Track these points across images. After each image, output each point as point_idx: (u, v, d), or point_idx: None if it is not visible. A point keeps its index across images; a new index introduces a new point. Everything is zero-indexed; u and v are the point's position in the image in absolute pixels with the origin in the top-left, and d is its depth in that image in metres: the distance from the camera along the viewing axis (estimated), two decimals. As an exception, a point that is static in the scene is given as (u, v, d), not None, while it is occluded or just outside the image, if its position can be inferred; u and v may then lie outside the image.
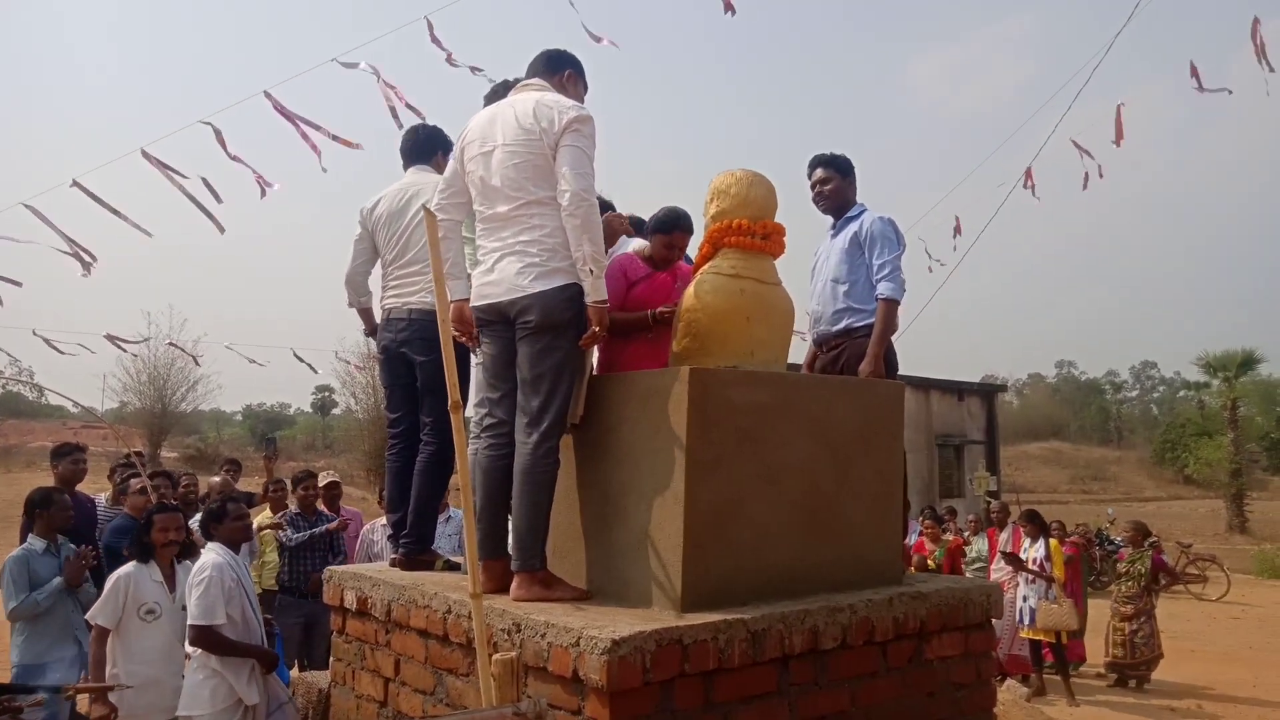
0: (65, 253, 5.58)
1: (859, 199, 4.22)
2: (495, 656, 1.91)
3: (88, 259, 5.77)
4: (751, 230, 3.07)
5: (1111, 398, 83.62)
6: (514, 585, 2.80)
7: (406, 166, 3.88)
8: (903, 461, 3.40)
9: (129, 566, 4.32)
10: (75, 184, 4.61)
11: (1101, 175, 7.81)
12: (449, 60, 4.44)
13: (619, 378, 3.06)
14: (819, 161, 4.20)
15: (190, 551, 4.56)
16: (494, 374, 3.00)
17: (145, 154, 4.43)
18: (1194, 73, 6.42)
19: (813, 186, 4.23)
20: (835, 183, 4.15)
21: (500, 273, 2.88)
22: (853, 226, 4.07)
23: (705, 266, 3.11)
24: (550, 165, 2.86)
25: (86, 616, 4.35)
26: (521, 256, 2.84)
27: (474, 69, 4.99)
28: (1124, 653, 8.91)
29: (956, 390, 23.21)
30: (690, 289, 3.09)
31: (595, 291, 2.81)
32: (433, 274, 2.09)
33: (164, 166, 4.49)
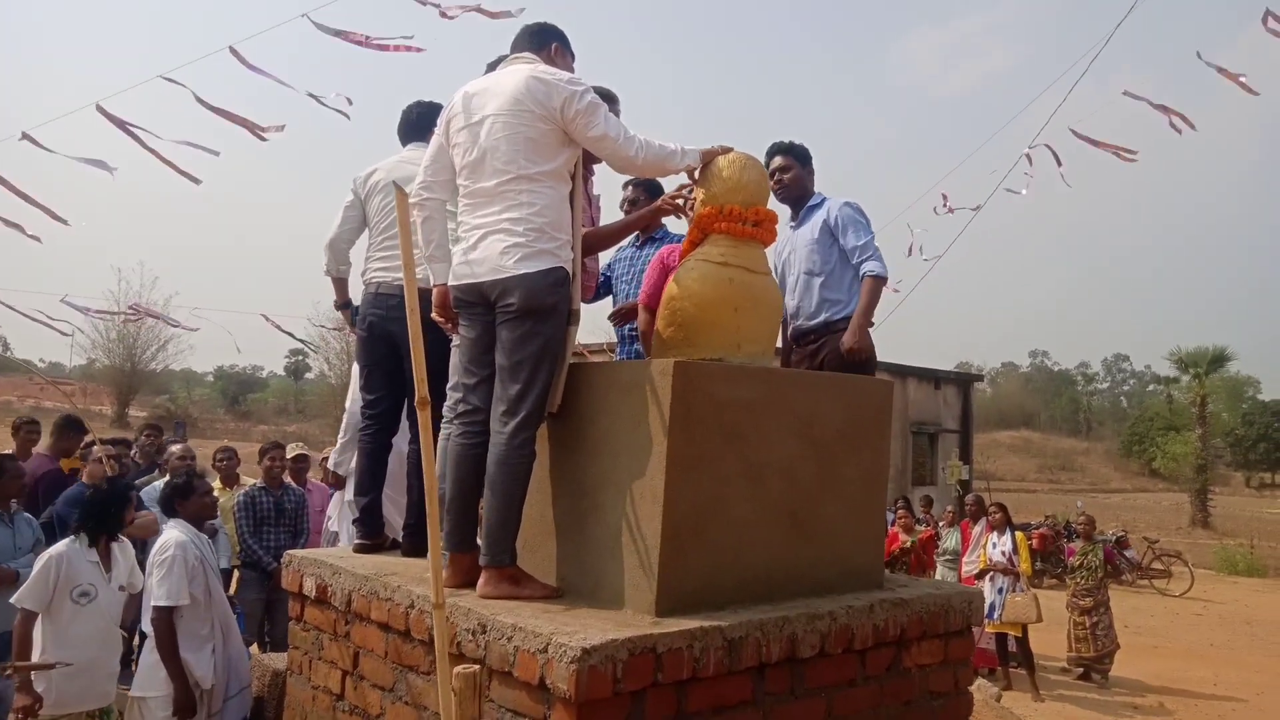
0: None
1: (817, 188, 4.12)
2: (456, 670, 1.79)
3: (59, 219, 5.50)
4: (743, 217, 2.93)
5: (1083, 389, 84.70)
6: (481, 581, 2.67)
7: (404, 144, 3.82)
8: (888, 462, 3.31)
9: (62, 546, 4.03)
10: (25, 137, 4.37)
11: (1068, 183, 7.78)
12: (442, 14, 4.22)
13: (600, 366, 2.93)
14: (778, 149, 4.09)
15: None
16: (471, 359, 2.85)
17: (100, 109, 4.20)
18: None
19: (771, 175, 4.08)
20: (795, 171, 4.04)
21: (483, 252, 2.73)
22: (819, 215, 3.99)
23: (693, 253, 2.97)
24: (543, 139, 2.73)
25: (12, 600, 3.95)
26: (507, 235, 2.70)
27: (485, 12, 4.71)
28: (1088, 647, 8.98)
29: (933, 378, 23.29)
30: (675, 276, 2.96)
31: (689, 156, 2.93)
32: (402, 257, 1.93)
33: (122, 124, 4.26)
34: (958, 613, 3.09)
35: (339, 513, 4.95)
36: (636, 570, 2.54)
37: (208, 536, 4.48)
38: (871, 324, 3.93)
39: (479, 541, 2.79)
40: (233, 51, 4.02)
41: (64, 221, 5.49)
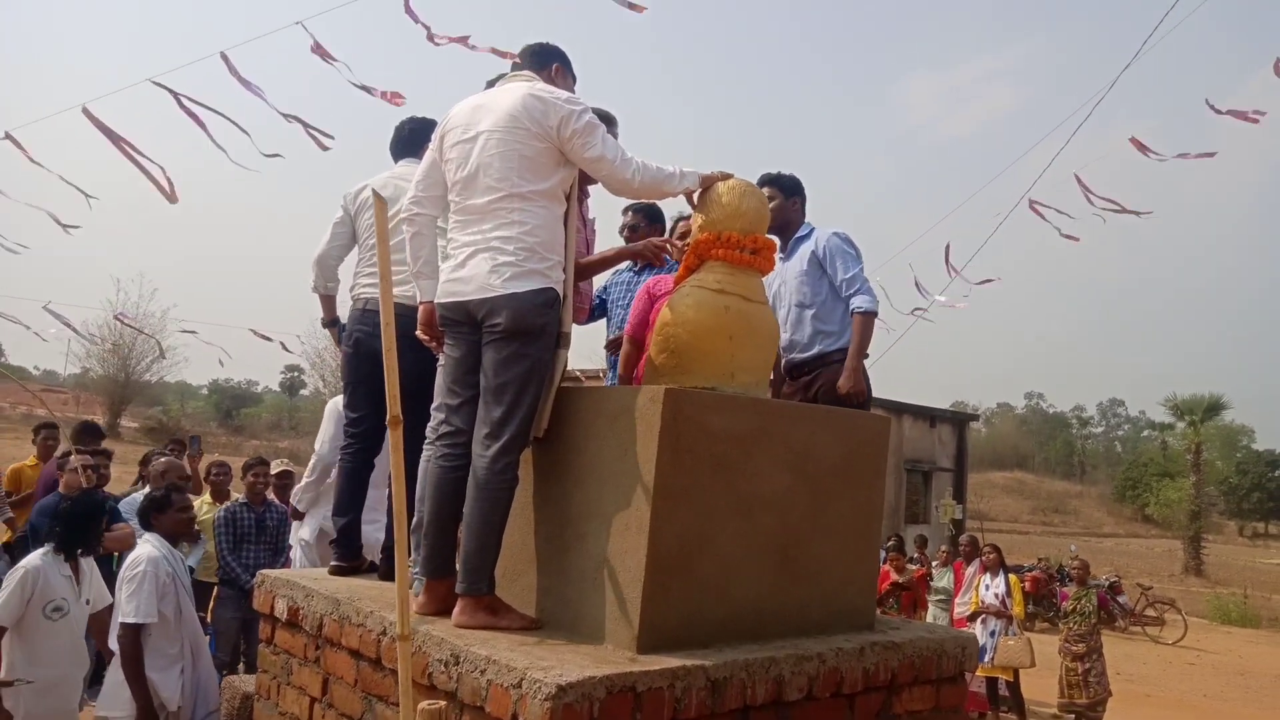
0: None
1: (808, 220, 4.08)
2: (421, 706, 1.69)
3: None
4: (741, 244, 2.87)
5: (1077, 432, 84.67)
6: (457, 610, 2.57)
7: (396, 159, 3.76)
8: (883, 499, 3.22)
9: (35, 559, 3.93)
10: (8, 137, 4.30)
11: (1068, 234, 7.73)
12: (430, 38, 4.15)
13: (588, 391, 2.85)
14: (764, 180, 4.02)
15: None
16: (455, 379, 2.77)
17: (86, 112, 4.14)
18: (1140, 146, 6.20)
19: None
20: (778, 201, 3.95)
21: (471, 270, 2.66)
22: (807, 245, 3.94)
23: (689, 279, 2.90)
24: (538, 157, 2.67)
25: None
26: (497, 254, 2.63)
27: (461, 40, 4.65)
28: (1080, 693, 8.80)
29: (929, 416, 23.19)
30: (670, 301, 2.89)
31: (688, 179, 2.85)
32: (379, 269, 1.85)
33: (110, 132, 4.20)
34: (951, 658, 2.98)
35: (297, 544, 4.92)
36: (618, 604, 2.44)
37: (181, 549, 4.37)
38: (866, 355, 3.87)
39: (457, 567, 2.70)
40: (223, 58, 3.96)
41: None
